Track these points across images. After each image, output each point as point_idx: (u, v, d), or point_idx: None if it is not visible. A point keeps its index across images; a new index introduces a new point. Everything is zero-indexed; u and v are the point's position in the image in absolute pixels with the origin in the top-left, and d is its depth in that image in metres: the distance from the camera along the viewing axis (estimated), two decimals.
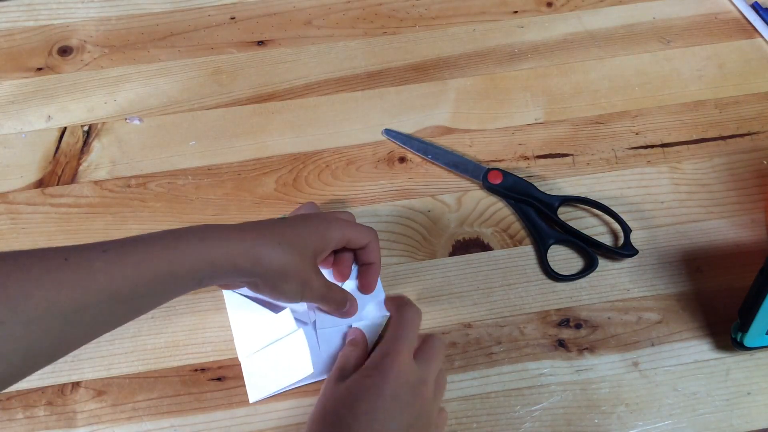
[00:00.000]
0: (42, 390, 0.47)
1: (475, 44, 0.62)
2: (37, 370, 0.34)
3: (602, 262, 0.51)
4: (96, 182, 0.55)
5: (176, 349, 0.49)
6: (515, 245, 0.52)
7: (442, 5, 0.65)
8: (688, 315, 0.50)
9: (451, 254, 0.52)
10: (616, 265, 0.52)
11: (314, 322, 0.48)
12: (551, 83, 0.60)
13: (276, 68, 0.61)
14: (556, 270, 0.51)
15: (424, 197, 0.55)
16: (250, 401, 0.46)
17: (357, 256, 0.49)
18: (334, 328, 0.48)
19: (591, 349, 0.48)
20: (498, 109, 0.59)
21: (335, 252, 0.48)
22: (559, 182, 0.55)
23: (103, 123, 0.58)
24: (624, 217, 0.52)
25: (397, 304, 0.46)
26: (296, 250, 0.41)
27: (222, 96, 0.60)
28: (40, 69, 0.61)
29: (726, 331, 0.48)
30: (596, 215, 0.54)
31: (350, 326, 0.48)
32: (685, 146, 0.57)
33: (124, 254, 0.35)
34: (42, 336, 0.32)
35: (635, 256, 0.51)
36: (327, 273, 0.49)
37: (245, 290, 0.46)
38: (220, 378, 0.48)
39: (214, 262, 0.38)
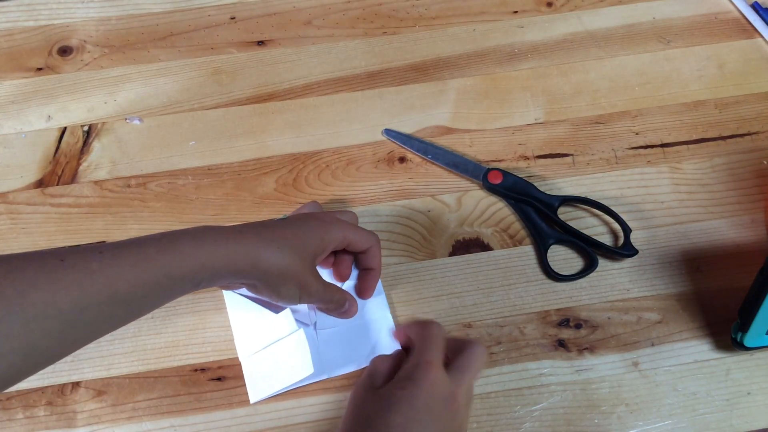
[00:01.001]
0: (42, 390, 0.47)
1: (475, 44, 0.62)
2: (38, 370, 0.34)
3: (602, 262, 0.51)
4: (96, 182, 0.55)
5: (176, 349, 0.49)
6: (515, 245, 0.52)
7: (442, 5, 0.65)
8: (688, 315, 0.50)
9: (451, 254, 0.52)
10: (616, 265, 0.52)
11: (315, 323, 0.48)
12: (551, 83, 0.60)
13: (276, 68, 0.61)
14: (556, 270, 0.51)
15: (424, 197, 0.55)
16: (251, 401, 0.46)
17: (357, 259, 0.49)
18: (334, 328, 0.48)
19: (591, 349, 0.48)
20: (498, 109, 0.59)
21: (335, 253, 0.48)
22: (559, 182, 0.55)
23: (103, 123, 0.58)
24: (624, 217, 0.52)
25: (417, 325, 0.44)
26: (295, 253, 0.41)
27: (222, 96, 0.60)
28: (40, 69, 0.61)
29: (726, 331, 0.48)
30: (596, 215, 0.54)
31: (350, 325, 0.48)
32: (685, 146, 0.57)
33: (120, 256, 0.35)
34: (41, 336, 0.32)
35: (635, 256, 0.51)
36: (327, 273, 0.49)
37: (245, 291, 0.46)
38: (220, 378, 0.48)
39: (212, 265, 0.38)
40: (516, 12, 0.64)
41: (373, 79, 0.60)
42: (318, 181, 0.55)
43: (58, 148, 0.57)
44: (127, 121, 0.58)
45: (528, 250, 0.52)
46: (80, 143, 0.57)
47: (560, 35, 0.63)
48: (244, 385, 0.47)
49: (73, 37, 0.63)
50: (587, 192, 0.55)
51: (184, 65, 0.61)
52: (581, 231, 0.52)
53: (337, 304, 0.46)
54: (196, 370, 0.48)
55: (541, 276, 0.51)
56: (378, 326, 0.49)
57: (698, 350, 0.48)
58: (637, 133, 0.57)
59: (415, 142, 0.57)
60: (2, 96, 0.60)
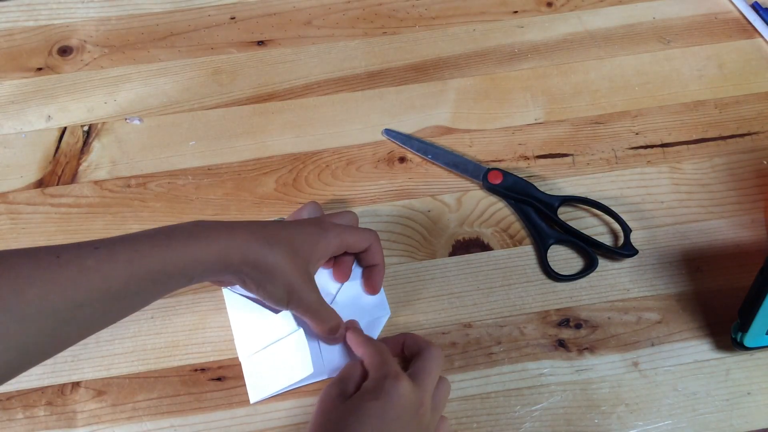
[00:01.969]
0: (42, 390, 0.47)
1: (475, 44, 0.62)
2: (32, 366, 0.34)
3: (602, 262, 0.51)
4: (96, 182, 0.55)
5: (176, 349, 0.49)
6: (515, 245, 0.52)
7: (442, 5, 0.65)
8: (688, 315, 0.50)
9: (451, 254, 0.52)
10: (616, 265, 0.52)
11: None
12: (551, 83, 0.60)
13: (276, 68, 0.61)
14: (556, 270, 0.51)
15: (424, 197, 0.55)
16: (251, 401, 0.46)
17: (360, 258, 0.49)
18: None
19: (591, 349, 0.48)
20: (498, 109, 0.59)
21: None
22: (559, 182, 0.55)
23: (103, 123, 0.58)
24: (624, 217, 0.52)
25: (362, 338, 0.45)
26: (286, 253, 0.40)
27: (222, 96, 0.60)
28: (40, 69, 0.61)
29: (726, 331, 0.48)
30: (596, 215, 0.54)
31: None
32: (685, 146, 0.57)
33: (115, 252, 0.35)
34: (36, 333, 0.33)
35: (635, 256, 0.51)
36: (327, 273, 0.49)
37: (244, 290, 0.46)
38: (220, 378, 0.48)
39: (204, 259, 0.38)
40: (516, 12, 0.64)
41: (373, 79, 0.60)
42: (318, 181, 0.55)
43: (58, 148, 0.57)
44: (127, 121, 0.58)
45: (528, 250, 0.52)
46: (80, 143, 0.57)
47: (560, 35, 0.63)
48: (244, 385, 0.47)
49: (73, 37, 0.63)
50: (587, 192, 0.55)
51: (184, 65, 0.61)
52: (581, 231, 0.52)
53: (330, 327, 0.44)
54: (196, 370, 0.48)
55: (541, 276, 0.51)
56: (377, 326, 0.49)
57: (698, 350, 0.48)
58: (637, 133, 0.57)
59: (415, 142, 0.57)
60: (2, 96, 0.60)
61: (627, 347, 0.48)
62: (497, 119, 0.58)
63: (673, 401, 0.47)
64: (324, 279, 0.49)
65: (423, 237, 0.53)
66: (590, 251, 0.51)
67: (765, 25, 0.62)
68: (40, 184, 0.55)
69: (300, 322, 0.47)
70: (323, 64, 0.61)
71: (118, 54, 0.62)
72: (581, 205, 0.54)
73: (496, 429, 0.46)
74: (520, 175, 0.54)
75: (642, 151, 0.57)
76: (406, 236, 0.53)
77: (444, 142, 0.57)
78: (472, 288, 0.51)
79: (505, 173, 0.54)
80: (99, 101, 0.59)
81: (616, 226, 0.52)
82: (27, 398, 0.47)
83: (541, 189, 0.53)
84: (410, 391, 0.39)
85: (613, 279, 0.51)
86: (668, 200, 0.54)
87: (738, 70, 0.61)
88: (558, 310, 0.50)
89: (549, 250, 0.51)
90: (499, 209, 0.54)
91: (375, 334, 0.48)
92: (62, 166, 0.56)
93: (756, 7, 0.63)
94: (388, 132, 0.57)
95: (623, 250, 0.51)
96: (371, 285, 0.49)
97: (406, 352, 0.45)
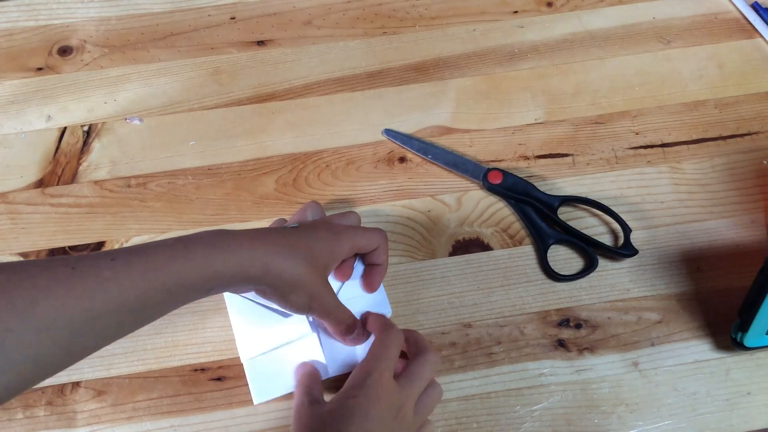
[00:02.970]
0: (42, 390, 0.47)
1: (475, 44, 0.62)
2: (48, 377, 0.34)
3: (602, 262, 0.51)
4: (96, 182, 0.55)
5: (176, 349, 0.49)
6: (515, 245, 0.52)
7: (442, 5, 0.65)
8: (688, 315, 0.50)
9: (451, 254, 0.52)
10: (616, 265, 0.52)
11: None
12: (551, 83, 0.60)
13: (276, 68, 0.61)
14: (556, 270, 0.51)
15: (424, 197, 0.55)
16: (255, 402, 0.46)
17: (364, 256, 0.49)
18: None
19: (591, 349, 0.48)
20: (498, 109, 0.59)
21: None
22: (559, 182, 0.55)
23: (103, 123, 0.58)
24: (624, 217, 0.52)
25: (379, 324, 0.45)
26: (307, 262, 0.40)
27: (222, 96, 0.60)
28: (40, 69, 0.61)
29: (726, 331, 0.48)
30: (596, 215, 0.54)
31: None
32: (685, 146, 0.57)
33: (132, 263, 0.35)
34: (52, 344, 0.32)
35: (635, 256, 0.51)
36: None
37: (252, 294, 0.46)
38: (220, 378, 0.48)
39: (225, 272, 0.37)
40: (516, 12, 0.64)
41: (373, 79, 0.60)
42: (318, 181, 0.55)
43: (58, 148, 0.57)
44: (127, 121, 0.58)
45: (528, 250, 0.52)
46: (80, 143, 0.57)
47: (560, 35, 0.63)
48: (244, 385, 0.47)
49: (73, 37, 0.63)
50: (587, 192, 0.55)
51: (184, 65, 0.61)
52: (581, 231, 0.52)
53: (347, 327, 0.45)
54: (196, 370, 0.48)
55: (541, 276, 0.51)
56: None
57: (698, 350, 0.48)
58: (637, 133, 0.57)
59: (415, 142, 0.57)
60: (2, 96, 0.60)
61: (627, 347, 0.48)
62: (497, 119, 0.58)
63: (673, 401, 0.47)
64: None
65: (423, 237, 0.53)
66: (590, 251, 0.51)
67: (765, 25, 0.62)
68: (40, 184, 0.55)
69: (314, 326, 0.47)
70: (323, 64, 0.61)
71: (118, 54, 0.62)
72: (581, 205, 0.54)
73: (496, 429, 0.46)
74: (520, 175, 0.54)
75: (642, 151, 0.57)
76: (406, 236, 0.53)
77: (444, 142, 0.57)
78: (472, 288, 0.51)
79: (505, 173, 0.54)
80: (99, 101, 0.59)
81: (616, 226, 0.52)
82: (27, 398, 0.47)
83: (541, 189, 0.53)
84: (391, 392, 0.39)
85: (613, 279, 0.51)
86: (668, 200, 0.54)
87: (738, 70, 0.61)
88: (558, 310, 0.50)
89: (549, 250, 0.51)
90: (499, 209, 0.54)
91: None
92: (62, 166, 0.56)
93: (756, 7, 0.63)
94: (388, 132, 0.57)
95: (623, 250, 0.51)
96: (370, 284, 0.49)
97: (407, 349, 0.45)
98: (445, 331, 0.49)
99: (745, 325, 0.45)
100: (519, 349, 0.48)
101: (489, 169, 0.54)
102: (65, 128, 0.58)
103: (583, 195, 0.54)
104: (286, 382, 0.46)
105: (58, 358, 0.33)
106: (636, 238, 0.52)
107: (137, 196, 0.55)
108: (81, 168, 0.56)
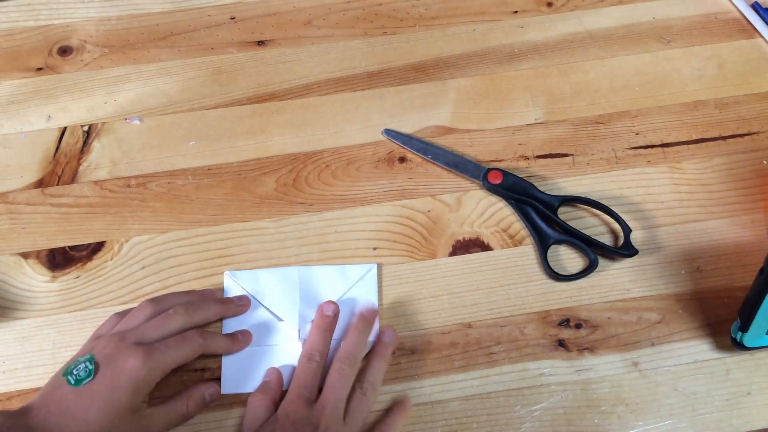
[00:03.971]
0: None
1: (475, 44, 0.62)
2: None
3: (602, 262, 0.51)
4: (96, 182, 0.55)
5: None
6: (515, 245, 0.52)
7: (442, 5, 0.65)
8: (688, 315, 0.50)
9: (451, 254, 0.52)
10: (616, 265, 0.52)
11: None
12: (551, 83, 0.60)
13: (276, 68, 0.61)
14: (556, 270, 0.51)
15: (424, 197, 0.55)
16: (222, 392, 0.46)
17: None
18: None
19: (591, 349, 0.48)
20: (498, 109, 0.59)
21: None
22: (559, 182, 0.55)
23: (103, 123, 0.58)
24: (624, 217, 0.52)
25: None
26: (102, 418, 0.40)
27: (222, 96, 0.60)
28: (40, 69, 0.61)
29: (726, 331, 0.48)
30: (596, 215, 0.54)
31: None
32: (685, 146, 0.57)
33: None
34: None
35: (635, 256, 0.51)
36: (326, 277, 0.50)
37: (249, 287, 0.47)
38: (220, 378, 0.47)
39: None
40: (516, 12, 0.64)
41: (373, 79, 0.60)
42: (318, 181, 0.55)
43: (58, 148, 0.57)
44: (127, 121, 0.58)
45: (528, 250, 0.52)
46: (80, 143, 0.57)
47: (560, 35, 0.63)
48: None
49: (73, 37, 0.63)
50: (587, 192, 0.55)
51: (184, 65, 0.61)
52: (581, 231, 0.52)
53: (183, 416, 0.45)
54: (196, 370, 0.48)
55: (542, 276, 0.51)
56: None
57: (698, 350, 0.48)
58: (637, 133, 0.57)
59: (415, 142, 0.57)
60: (2, 96, 0.60)
61: (627, 347, 0.48)
62: (497, 119, 0.58)
63: (673, 401, 0.47)
64: (323, 284, 0.50)
65: (423, 237, 0.53)
66: (590, 251, 0.51)
67: (765, 25, 0.62)
68: (40, 184, 0.55)
69: (301, 336, 0.48)
70: (323, 64, 0.61)
71: (118, 54, 0.62)
72: (581, 205, 0.54)
73: (496, 429, 0.46)
74: (520, 175, 0.54)
75: (642, 151, 0.57)
76: (406, 236, 0.53)
77: (444, 142, 0.57)
78: (472, 288, 0.51)
79: (505, 173, 0.54)
80: (99, 101, 0.59)
81: (616, 226, 0.52)
82: (27, 398, 0.47)
83: (541, 189, 0.53)
84: (302, 414, 0.42)
85: (613, 279, 0.51)
86: (668, 200, 0.54)
87: (738, 70, 0.61)
88: (558, 310, 0.50)
89: (549, 250, 0.51)
90: (499, 209, 0.54)
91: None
92: (62, 166, 0.56)
93: (756, 7, 0.63)
94: (388, 132, 0.57)
95: (623, 250, 0.51)
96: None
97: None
98: (445, 331, 0.49)
99: (745, 325, 0.45)
100: (519, 349, 0.48)
101: (489, 169, 0.54)
102: (65, 128, 0.58)
103: (583, 195, 0.54)
104: (256, 383, 0.47)
105: None
106: (636, 238, 0.52)
107: (137, 196, 0.55)
108: (81, 168, 0.56)
